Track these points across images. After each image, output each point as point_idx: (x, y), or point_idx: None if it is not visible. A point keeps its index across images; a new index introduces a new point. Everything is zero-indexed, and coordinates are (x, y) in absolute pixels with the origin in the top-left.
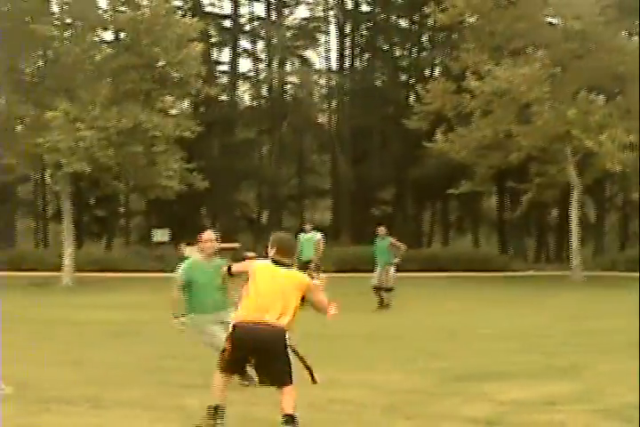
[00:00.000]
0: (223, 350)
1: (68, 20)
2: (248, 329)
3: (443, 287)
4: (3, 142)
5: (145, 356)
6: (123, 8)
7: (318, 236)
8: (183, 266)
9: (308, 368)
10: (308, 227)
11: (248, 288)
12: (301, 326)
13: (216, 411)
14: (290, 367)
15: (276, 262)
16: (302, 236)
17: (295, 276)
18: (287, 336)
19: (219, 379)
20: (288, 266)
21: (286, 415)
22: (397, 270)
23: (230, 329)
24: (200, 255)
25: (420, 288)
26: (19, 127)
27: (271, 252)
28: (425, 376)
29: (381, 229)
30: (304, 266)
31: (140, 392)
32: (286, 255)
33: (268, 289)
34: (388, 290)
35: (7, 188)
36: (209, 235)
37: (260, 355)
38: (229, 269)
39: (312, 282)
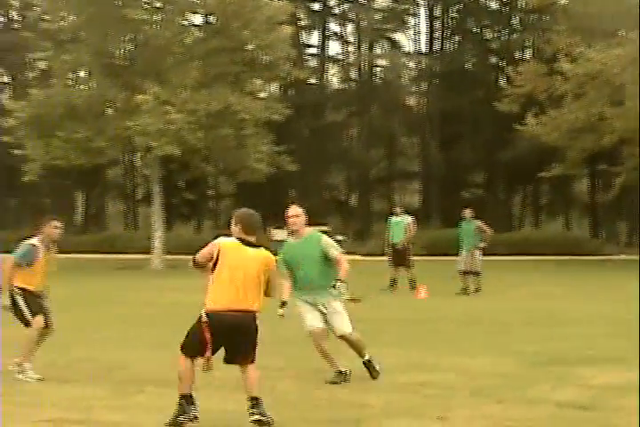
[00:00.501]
0: (194, 335)
1: (158, 4)
2: (224, 317)
3: (533, 271)
4: (93, 126)
5: None
6: None
7: (409, 219)
8: (280, 253)
9: None
10: (398, 210)
11: (218, 271)
12: (393, 311)
13: (189, 401)
14: (255, 346)
15: (242, 241)
16: (392, 219)
17: (262, 255)
18: (257, 318)
19: (187, 366)
20: (255, 245)
21: (253, 398)
22: (484, 254)
23: (204, 317)
24: (290, 235)
25: (511, 272)
26: (109, 111)
27: (235, 229)
28: (515, 360)
29: (467, 212)
30: (394, 249)
31: (231, 375)
32: (251, 233)
33: (239, 272)
34: (476, 274)
35: (98, 171)
36: (294, 210)
37: (233, 338)
38: (194, 260)
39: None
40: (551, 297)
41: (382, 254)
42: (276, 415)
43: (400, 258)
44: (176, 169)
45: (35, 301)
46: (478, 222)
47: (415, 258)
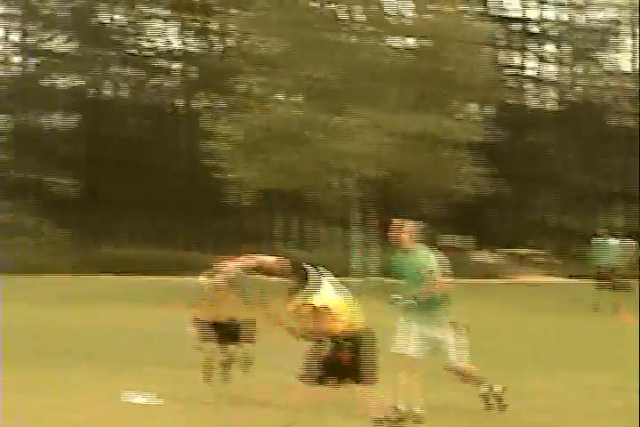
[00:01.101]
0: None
1: (362, 28)
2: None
3: None
4: (299, 149)
5: None
6: (414, 14)
7: (615, 241)
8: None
9: None
10: (602, 231)
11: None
12: (595, 335)
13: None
14: None
15: None
16: (597, 240)
17: None
18: None
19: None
20: None
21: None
22: None
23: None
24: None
25: None
26: (315, 134)
27: None
28: None
29: None
30: (599, 271)
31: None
32: None
33: None
34: None
35: (300, 194)
36: (396, 221)
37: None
38: None
39: None
40: None
41: (586, 276)
42: None
43: (605, 280)
44: (378, 191)
45: (211, 330)
46: None
47: (621, 280)
